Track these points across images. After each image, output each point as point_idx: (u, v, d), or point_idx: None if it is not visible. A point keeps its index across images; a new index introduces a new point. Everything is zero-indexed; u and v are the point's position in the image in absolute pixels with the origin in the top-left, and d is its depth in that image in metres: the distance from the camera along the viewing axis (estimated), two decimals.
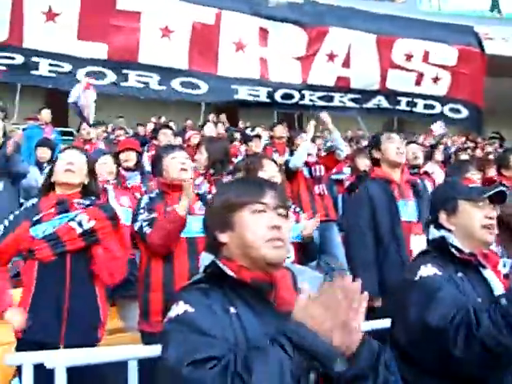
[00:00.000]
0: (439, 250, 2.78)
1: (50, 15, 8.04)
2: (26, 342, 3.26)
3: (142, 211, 3.73)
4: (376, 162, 4.79)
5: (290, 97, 9.63)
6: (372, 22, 10.11)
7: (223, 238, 1.96)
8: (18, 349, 3.24)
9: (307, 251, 4.32)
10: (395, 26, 10.33)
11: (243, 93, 9.27)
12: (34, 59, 8.21)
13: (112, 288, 4.03)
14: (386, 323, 2.89)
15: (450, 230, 2.80)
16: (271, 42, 9.33)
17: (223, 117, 11.92)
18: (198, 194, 3.89)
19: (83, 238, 3.33)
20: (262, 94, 9.42)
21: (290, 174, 6.97)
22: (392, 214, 4.47)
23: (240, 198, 1.95)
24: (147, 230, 3.61)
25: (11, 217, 3.46)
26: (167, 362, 1.68)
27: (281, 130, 8.48)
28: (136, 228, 3.69)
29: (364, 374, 1.71)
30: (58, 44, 8.21)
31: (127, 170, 5.97)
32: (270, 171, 4.16)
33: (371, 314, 2.97)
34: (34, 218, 3.39)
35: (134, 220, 3.74)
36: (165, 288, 3.57)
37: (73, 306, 3.27)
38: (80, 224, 3.34)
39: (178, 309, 1.78)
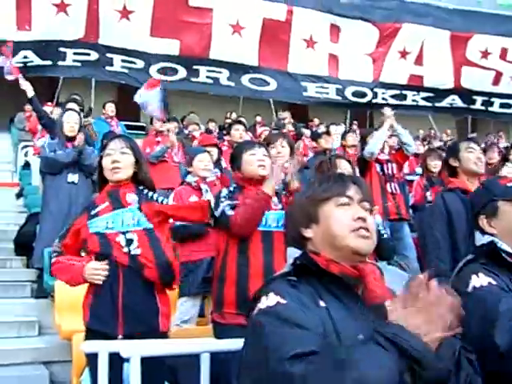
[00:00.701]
0: (487, 256, 2.62)
1: (124, 13, 8.20)
2: (90, 332, 3.34)
3: (223, 199, 3.74)
4: (453, 171, 4.63)
5: (363, 95, 9.53)
6: (446, 18, 9.86)
7: (308, 233, 1.96)
8: (86, 338, 3.31)
9: (383, 250, 4.25)
10: (470, 21, 10.02)
11: (312, 90, 9.23)
12: (108, 55, 8.42)
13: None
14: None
15: (492, 234, 2.67)
16: (342, 38, 9.23)
17: (286, 113, 11.87)
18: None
19: (128, 257, 3.32)
20: (332, 92, 9.36)
21: (363, 166, 6.87)
22: (470, 226, 4.31)
23: (325, 193, 1.95)
24: (230, 212, 3.62)
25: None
26: (262, 355, 1.63)
27: (352, 139, 8.37)
28: (218, 214, 3.68)
29: (447, 372, 1.68)
30: (132, 41, 8.39)
31: None
32: (344, 170, 4.13)
33: None
34: (92, 212, 3.44)
35: (215, 208, 3.73)
36: (239, 281, 3.58)
37: (126, 298, 3.30)
38: (129, 243, 3.34)
39: (269, 300, 1.75)
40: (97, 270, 3.26)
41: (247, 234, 3.58)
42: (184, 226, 4.57)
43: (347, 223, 1.89)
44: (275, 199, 3.80)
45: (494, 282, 2.42)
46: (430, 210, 4.70)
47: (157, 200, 3.52)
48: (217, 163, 6.21)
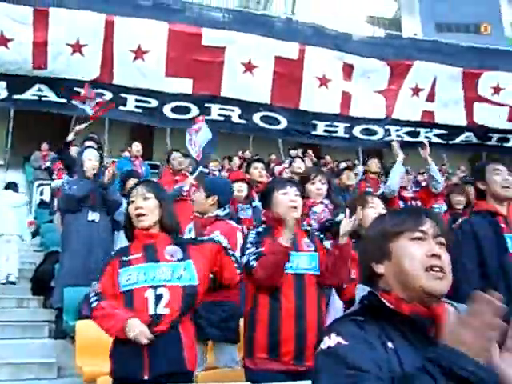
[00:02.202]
0: None
1: (139, 53, 8.30)
2: (117, 379, 3.27)
3: (249, 246, 3.68)
4: (481, 194, 4.51)
5: (373, 132, 9.55)
6: (457, 55, 9.94)
7: (380, 268, 1.87)
8: None
9: None
10: (481, 58, 10.10)
11: (321, 129, 9.28)
12: (122, 95, 8.50)
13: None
14: None
15: None
16: (355, 76, 9.29)
17: (310, 151, 11.92)
18: (306, 231, 3.81)
19: (152, 319, 3.25)
20: (340, 130, 9.39)
21: (385, 203, 6.77)
22: (500, 249, 4.22)
23: (398, 226, 1.89)
24: (254, 263, 3.56)
25: (107, 258, 3.49)
26: None
27: (375, 165, 8.35)
28: (243, 263, 3.65)
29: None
30: (146, 80, 8.47)
31: (239, 202, 5.99)
32: (377, 207, 4.10)
33: None
34: (124, 258, 3.39)
35: (242, 254, 3.69)
36: (270, 325, 3.50)
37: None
38: (157, 300, 3.27)
39: (331, 341, 1.70)
40: (141, 332, 3.18)
41: (270, 286, 3.53)
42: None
43: (420, 259, 1.79)
44: (307, 240, 3.74)
45: None
46: (458, 233, 4.56)
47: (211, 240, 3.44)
48: (247, 198, 6.15)
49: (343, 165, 10.74)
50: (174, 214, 3.55)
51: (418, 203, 6.94)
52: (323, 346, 1.70)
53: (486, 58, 10.17)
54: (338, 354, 1.64)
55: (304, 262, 3.54)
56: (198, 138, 7.28)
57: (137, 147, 9.41)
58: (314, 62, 9.10)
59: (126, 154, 9.92)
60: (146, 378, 3.13)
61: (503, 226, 4.14)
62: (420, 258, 1.78)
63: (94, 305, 3.27)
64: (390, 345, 1.69)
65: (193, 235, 4.51)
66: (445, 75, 9.63)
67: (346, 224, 3.48)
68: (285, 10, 19.66)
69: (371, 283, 1.87)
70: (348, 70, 9.28)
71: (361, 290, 1.85)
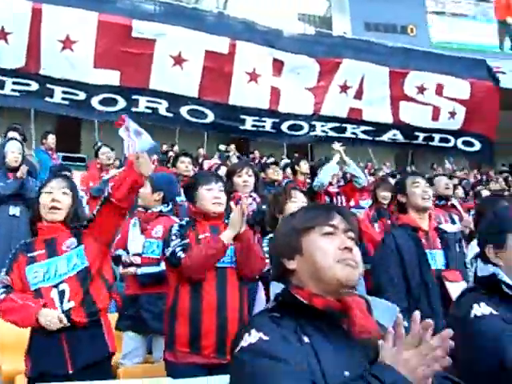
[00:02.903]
0: (488, 287, 2.66)
1: (67, 43, 8.11)
2: (34, 377, 3.20)
3: (173, 238, 3.66)
4: (402, 207, 4.68)
5: (299, 128, 9.65)
6: (385, 55, 10.16)
7: (292, 264, 1.88)
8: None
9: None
10: (408, 58, 10.37)
11: (249, 124, 9.31)
12: (49, 86, 8.28)
13: None
14: None
15: (496, 265, 2.70)
16: (285, 72, 9.35)
17: (232, 147, 11.90)
18: (227, 224, 3.81)
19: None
20: (268, 125, 9.44)
21: (312, 197, 6.88)
22: (421, 263, 4.37)
23: (308, 221, 1.90)
24: (181, 254, 3.54)
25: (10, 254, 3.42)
26: None
27: (306, 166, 8.41)
28: (168, 254, 3.62)
29: None
30: (74, 72, 8.28)
31: None
32: (299, 201, 4.14)
33: None
34: (29, 255, 3.34)
35: (167, 246, 3.67)
36: (191, 318, 3.50)
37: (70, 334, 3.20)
38: (61, 296, 3.26)
39: (251, 337, 1.71)
40: (53, 318, 3.13)
41: (198, 277, 3.53)
42: (149, 274, 4.41)
43: (333, 253, 1.81)
44: None
45: (495, 313, 2.45)
46: (382, 247, 4.70)
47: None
48: None
49: (270, 160, 10.83)
50: (83, 215, 3.55)
51: (343, 198, 7.09)
52: (244, 343, 1.70)
53: (412, 58, 10.45)
54: (261, 349, 1.66)
55: (226, 255, 3.55)
56: (137, 143, 7.22)
57: (52, 139, 9.22)
58: (245, 57, 9.11)
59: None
60: (70, 371, 3.09)
61: (424, 242, 4.31)
62: (332, 251, 1.82)
63: (1, 297, 3.21)
64: (306, 339, 1.73)
65: (138, 230, 4.54)
66: (373, 74, 9.82)
67: (236, 213, 3.51)
68: (217, 4, 19.64)
69: (284, 279, 1.90)
70: (278, 66, 9.33)
71: (275, 287, 1.88)
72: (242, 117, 9.18)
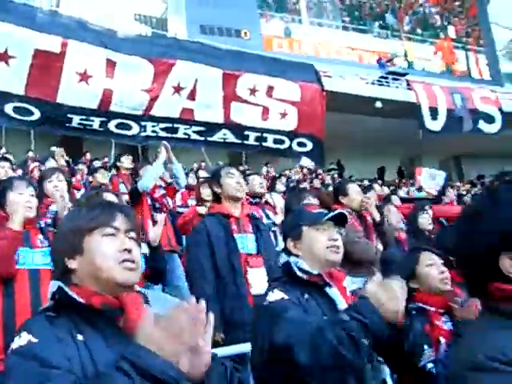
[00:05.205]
0: (287, 274, 2.95)
1: None
2: None
3: None
4: (217, 197, 4.91)
5: (128, 127, 9.59)
6: (219, 57, 10.35)
7: (73, 264, 1.92)
8: None
9: (155, 276, 4.36)
10: (241, 61, 10.63)
11: (75, 122, 9.11)
12: None
13: None
14: (246, 348, 2.97)
15: (298, 256, 2.96)
16: (118, 73, 9.23)
17: (60, 150, 11.38)
18: (40, 228, 3.77)
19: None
20: (96, 124, 9.29)
21: (136, 197, 6.89)
22: (229, 248, 4.60)
23: (90, 222, 1.93)
24: None
25: None
26: None
27: (129, 161, 8.38)
28: None
29: None
30: None
31: None
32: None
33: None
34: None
35: None
36: (5, 323, 3.42)
37: None
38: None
39: (21, 340, 1.72)
40: None
41: (4, 273, 3.45)
42: None
43: (113, 255, 1.88)
44: (41, 236, 3.72)
45: (286, 297, 2.68)
46: (193, 233, 4.92)
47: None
48: None
49: (98, 163, 10.66)
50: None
51: (169, 200, 7.24)
52: (14, 345, 1.74)
53: (244, 61, 10.74)
54: (29, 353, 1.70)
55: (39, 258, 3.56)
56: None
57: None
58: (76, 57, 8.87)
59: None
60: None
61: (234, 227, 4.59)
62: (112, 253, 1.93)
63: None
64: (80, 338, 1.80)
65: None
66: (206, 75, 9.97)
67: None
68: (50, 2, 18.99)
69: (64, 278, 1.96)
70: (111, 66, 9.20)
71: (53, 286, 1.93)
72: (69, 116, 8.94)
